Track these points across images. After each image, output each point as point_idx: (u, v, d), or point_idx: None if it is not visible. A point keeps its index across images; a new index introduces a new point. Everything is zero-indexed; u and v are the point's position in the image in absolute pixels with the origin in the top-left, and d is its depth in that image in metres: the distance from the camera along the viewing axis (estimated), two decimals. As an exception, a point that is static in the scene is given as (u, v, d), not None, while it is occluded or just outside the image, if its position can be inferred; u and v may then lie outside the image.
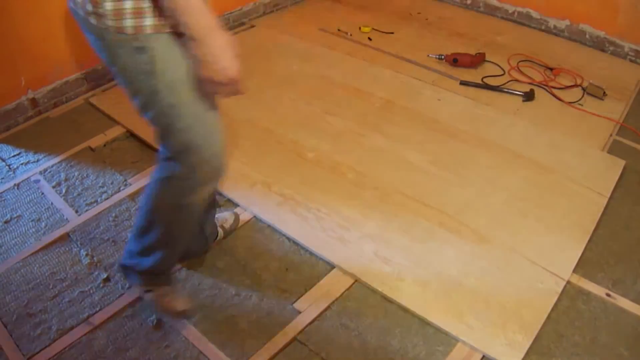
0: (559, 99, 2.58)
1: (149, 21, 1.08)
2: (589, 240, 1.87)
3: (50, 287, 1.73)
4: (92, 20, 1.09)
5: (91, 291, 1.72)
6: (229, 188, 2.05)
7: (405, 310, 1.64)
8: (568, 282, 1.73)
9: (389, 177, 2.12)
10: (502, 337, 1.56)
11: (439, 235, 1.88)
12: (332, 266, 1.78)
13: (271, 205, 2.00)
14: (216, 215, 1.79)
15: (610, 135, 2.38)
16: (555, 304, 1.65)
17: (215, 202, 1.70)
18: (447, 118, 2.45)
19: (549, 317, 1.62)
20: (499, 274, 1.75)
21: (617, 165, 2.19)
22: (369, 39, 3.13)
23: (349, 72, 2.79)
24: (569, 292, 1.70)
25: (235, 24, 3.27)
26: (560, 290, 1.69)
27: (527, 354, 1.52)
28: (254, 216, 1.97)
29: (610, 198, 2.05)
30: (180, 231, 1.45)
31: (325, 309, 1.65)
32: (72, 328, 1.60)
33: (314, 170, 2.15)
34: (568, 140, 2.32)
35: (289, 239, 1.88)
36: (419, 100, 2.58)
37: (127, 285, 1.72)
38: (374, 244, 1.84)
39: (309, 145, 2.27)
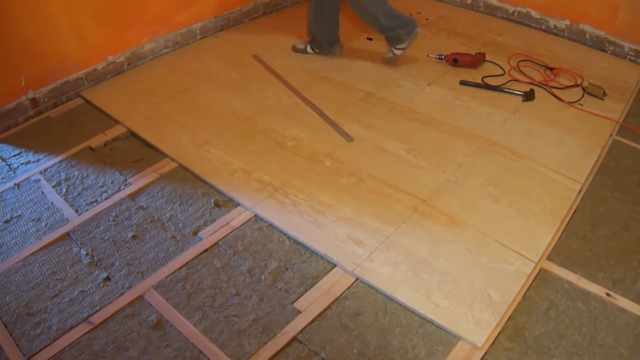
0: (559, 99, 2.58)
1: None
2: (589, 240, 1.88)
3: (50, 286, 1.73)
4: None
5: (91, 291, 1.72)
6: (210, 175, 2.13)
7: (405, 309, 1.65)
8: (542, 269, 1.77)
9: (365, 165, 2.19)
10: (470, 315, 1.60)
11: (411, 219, 1.93)
12: (332, 265, 1.79)
13: (250, 191, 2.06)
14: None
15: (610, 135, 2.38)
16: (555, 303, 1.66)
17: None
18: (425, 109, 2.53)
19: (548, 316, 1.62)
20: (469, 255, 1.80)
21: (593, 152, 2.24)
22: (369, 39, 3.13)
23: (333, 65, 2.86)
24: (569, 292, 1.70)
25: (236, 22, 3.28)
26: (529, 272, 1.74)
27: (498, 337, 1.56)
28: (255, 215, 1.97)
29: (611, 198, 2.05)
30: None
31: (325, 309, 1.65)
32: (72, 328, 1.60)
33: (293, 158, 2.22)
34: (544, 129, 2.38)
35: (289, 237, 1.89)
36: (398, 92, 2.65)
37: (127, 285, 1.72)
38: (347, 227, 1.90)
39: (290, 135, 2.35)
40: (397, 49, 2.79)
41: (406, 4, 3.53)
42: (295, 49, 3.01)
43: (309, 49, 2.97)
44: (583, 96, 2.61)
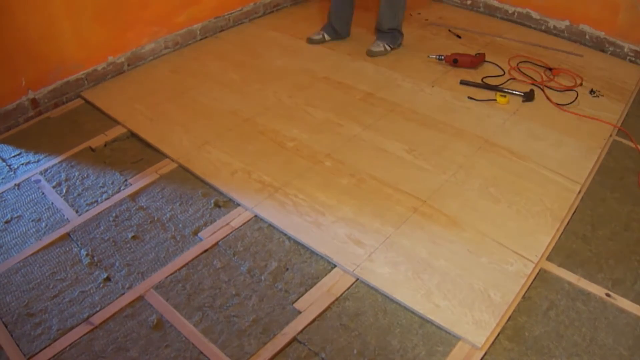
0: (552, 102, 2.58)
1: None
2: (589, 240, 1.88)
3: (51, 287, 1.74)
4: None
5: (91, 291, 1.72)
6: (210, 175, 2.13)
7: (405, 309, 1.65)
8: (542, 269, 1.77)
9: (365, 165, 2.19)
10: (470, 316, 1.61)
11: (411, 220, 1.94)
12: (332, 266, 1.79)
13: (250, 191, 2.06)
14: None
15: (610, 135, 2.38)
16: (555, 304, 1.66)
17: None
18: (425, 109, 2.53)
19: (548, 317, 1.62)
20: (469, 256, 1.81)
21: (593, 152, 2.24)
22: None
23: (333, 66, 2.87)
24: (569, 292, 1.70)
25: (236, 23, 3.28)
26: (528, 272, 1.74)
27: (498, 338, 1.57)
28: (255, 215, 1.97)
29: (610, 198, 2.05)
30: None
31: (325, 309, 1.65)
32: (72, 328, 1.60)
33: (293, 159, 2.22)
34: (544, 130, 2.38)
35: (289, 238, 1.89)
36: (398, 92, 2.65)
37: (127, 285, 1.72)
38: (347, 227, 1.91)
39: (290, 135, 2.36)
40: (390, 47, 2.98)
41: (406, 4, 3.53)
42: (311, 41, 3.09)
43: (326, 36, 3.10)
44: (576, 98, 2.59)
